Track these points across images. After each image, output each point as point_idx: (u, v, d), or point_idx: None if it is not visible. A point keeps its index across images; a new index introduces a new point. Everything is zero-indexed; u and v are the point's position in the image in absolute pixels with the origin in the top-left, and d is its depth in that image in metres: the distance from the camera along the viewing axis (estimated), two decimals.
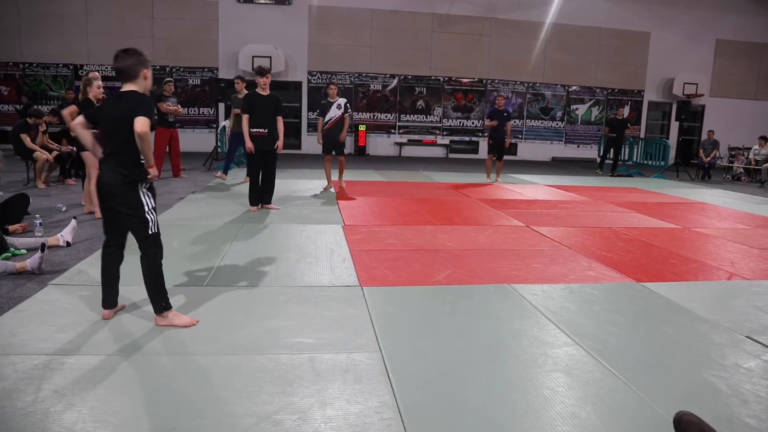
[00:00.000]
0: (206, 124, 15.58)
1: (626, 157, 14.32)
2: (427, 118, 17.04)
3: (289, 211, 6.54)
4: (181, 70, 15.56)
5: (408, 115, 16.94)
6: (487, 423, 2.18)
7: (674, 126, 16.95)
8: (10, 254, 4.27)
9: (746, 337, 3.13)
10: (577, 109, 17.82)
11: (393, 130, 16.91)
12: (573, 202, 8.11)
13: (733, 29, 17.71)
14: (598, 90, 17.76)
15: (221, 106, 13.29)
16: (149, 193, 2.96)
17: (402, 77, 16.70)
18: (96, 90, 5.57)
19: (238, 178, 9.00)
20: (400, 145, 16.82)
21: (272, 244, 4.95)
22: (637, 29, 17.31)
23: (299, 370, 2.53)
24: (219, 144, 11.73)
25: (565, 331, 3.11)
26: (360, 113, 16.36)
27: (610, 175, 12.80)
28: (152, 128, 2.87)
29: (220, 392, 2.32)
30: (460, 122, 17.25)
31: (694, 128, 18.39)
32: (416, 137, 17.00)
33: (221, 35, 15.52)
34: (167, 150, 9.33)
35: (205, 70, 15.63)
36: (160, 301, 2.99)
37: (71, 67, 15.09)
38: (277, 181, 6.73)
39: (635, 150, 14.46)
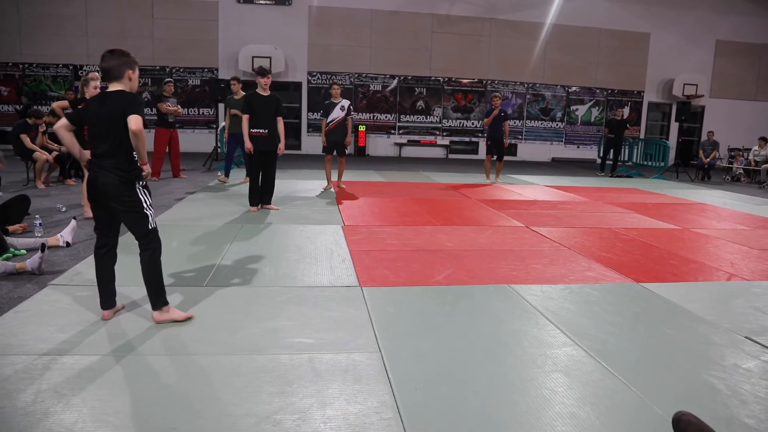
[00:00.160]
0: (206, 125, 15.59)
1: (626, 158, 14.33)
2: (426, 118, 17.04)
3: (288, 211, 6.54)
4: (181, 70, 15.57)
5: (408, 116, 16.94)
6: (487, 423, 2.18)
7: (674, 127, 16.95)
8: (10, 255, 4.28)
9: (745, 337, 3.14)
10: (576, 109, 17.82)
11: (393, 131, 16.91)
12: (573, 203, 8.11)
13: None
14: (597, 91, 17.76)
15: (221, 106, 13.28)
16: (146, 191, 2.98)
17: (402, 78, 16.70)
18: (92, 90, 5.54)
19: (238, 179, 9.00)
20: (400, 145, 16.82)
21: (272, 244, 4.95)
22: (636, 30, 17.31)
23: (299, 371, 2.54)
24: (219, 144, 11.73)
25: (565, 332, 3.11)
26: (360, 114, 16.34)
27: (610, 176, 12.81)
28: (144, 126, 2.88)
29: (220, 392, 2.32)
30: (460, 123, 17.25)
31: (693, 129, 18.40)
32: (416, 138, 17.01)
33: (221, 36, 15.52)
34: (167, 150, 9.34)
35: (205, 70, 15.63)
36: (159, 297, 3.00)
37: (71, 67, 15.10)
38: (277, 182, 6.73)
39: (635, 151, 14.47)
